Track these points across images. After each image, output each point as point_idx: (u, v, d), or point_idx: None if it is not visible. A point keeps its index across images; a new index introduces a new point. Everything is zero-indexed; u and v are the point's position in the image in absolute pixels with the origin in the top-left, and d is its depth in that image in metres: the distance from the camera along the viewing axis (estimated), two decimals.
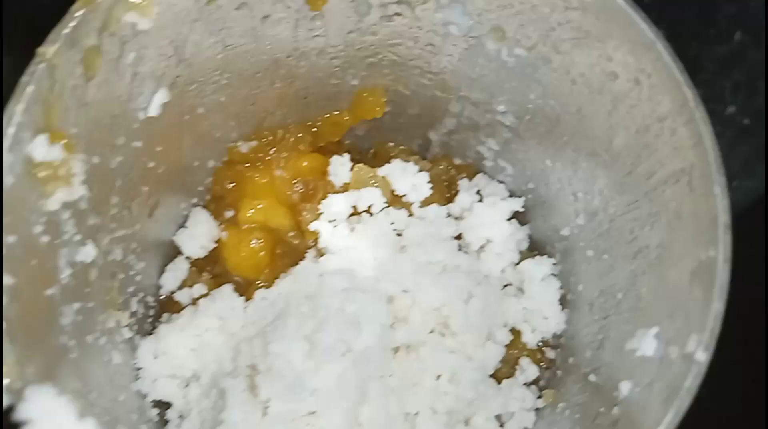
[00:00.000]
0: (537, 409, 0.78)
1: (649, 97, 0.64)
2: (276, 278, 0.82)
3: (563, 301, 0.81)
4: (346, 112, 0.86)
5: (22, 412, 0.53)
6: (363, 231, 0.82)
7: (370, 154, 0.92)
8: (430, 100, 0.83)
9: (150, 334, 0.79)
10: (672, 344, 0.60)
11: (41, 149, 0.58)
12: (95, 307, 0.68)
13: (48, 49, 0.58)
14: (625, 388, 0.64)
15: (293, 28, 0.74)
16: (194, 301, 0.82)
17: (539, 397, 0.79)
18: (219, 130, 0.82)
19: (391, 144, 0.91)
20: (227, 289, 0.81)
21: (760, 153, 0.89)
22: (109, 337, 0.71)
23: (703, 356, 0.57)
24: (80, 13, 0.59)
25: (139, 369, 0.76)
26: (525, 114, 0.78)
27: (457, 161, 0.90)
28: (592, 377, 0.72)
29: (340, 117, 0.86)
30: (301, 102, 0.84)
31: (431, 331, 0.78)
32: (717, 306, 0.57)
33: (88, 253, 0.66)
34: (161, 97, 0.70)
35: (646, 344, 0.63)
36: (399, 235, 0.83)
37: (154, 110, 0.70)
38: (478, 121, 0.83)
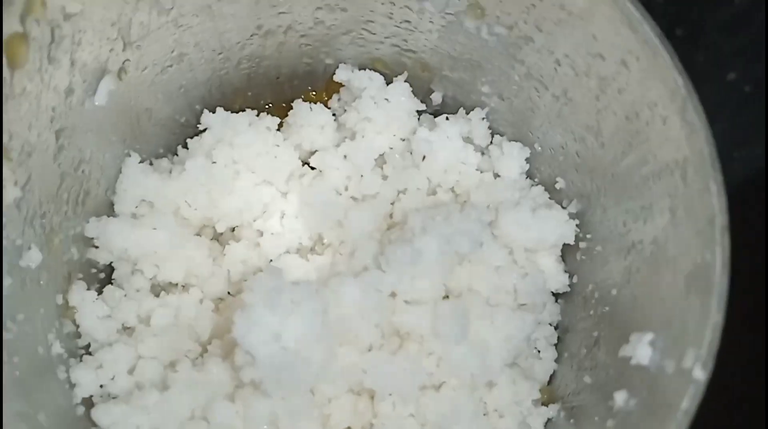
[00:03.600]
0: None
1: (638, 81, 0.57)
2: None
3: (556, 293, 0.75)
4: (324, 93, 0.80)
5: None
6: None
7: None
8: (411, 80, 0.77)
9: None
10: (668, 356, 0.55)
11: None
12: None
13: None
14: (620, 398, 0.59)
15: (254, 4, 0.68)
16: None
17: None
18: (183, 114, 0.76)
19: None
20: None
21: (761, 122, 0.83)
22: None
23: (701, 375, 0.51)
24: None
25: None
26: (510, 95, 0.72)
27: None
28: (587, 378, 0.66)
29: (317, 97, 0.80)
30: (274, 82, 0.79)
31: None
32: (715, 318, 0.51)
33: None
34: (108, 84, 0.64)
35: (641, 351, 0.58)
36: None
37: (101, 99, 0.64)
38: (463, 101, 0.77)
